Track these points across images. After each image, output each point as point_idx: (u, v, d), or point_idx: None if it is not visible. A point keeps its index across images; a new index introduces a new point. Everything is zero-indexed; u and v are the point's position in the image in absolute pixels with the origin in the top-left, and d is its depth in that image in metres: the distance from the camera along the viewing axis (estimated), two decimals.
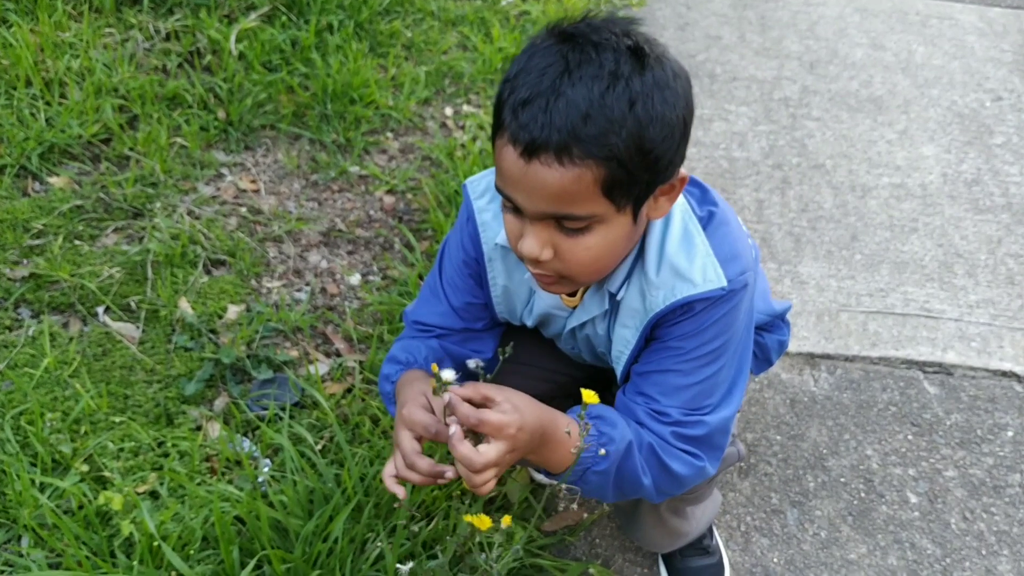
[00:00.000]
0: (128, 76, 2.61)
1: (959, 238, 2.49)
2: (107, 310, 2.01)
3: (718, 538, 1.70)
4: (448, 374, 1.03)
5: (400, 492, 1.13)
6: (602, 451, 1.11)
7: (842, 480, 1.85)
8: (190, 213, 2.28)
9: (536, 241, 1.04)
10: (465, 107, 2.83)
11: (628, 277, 1.19)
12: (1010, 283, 2.34)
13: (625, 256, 1.16)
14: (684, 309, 1.15)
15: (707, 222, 1.18)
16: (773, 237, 2.46)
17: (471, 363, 1.12)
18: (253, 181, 2.44)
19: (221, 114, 2.58)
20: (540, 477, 1.78)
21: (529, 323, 1.34)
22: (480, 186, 1.28)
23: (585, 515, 1.76)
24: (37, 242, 2.14)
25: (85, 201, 2.25)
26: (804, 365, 2.10)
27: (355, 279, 2.21)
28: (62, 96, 2.54)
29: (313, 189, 2.46)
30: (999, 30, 3.48)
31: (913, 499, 1.82)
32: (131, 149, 2.42)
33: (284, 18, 2.87)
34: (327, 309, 2.12)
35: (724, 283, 1.13)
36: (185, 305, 2.04)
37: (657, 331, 1.20)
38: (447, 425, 1.02)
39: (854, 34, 3.38)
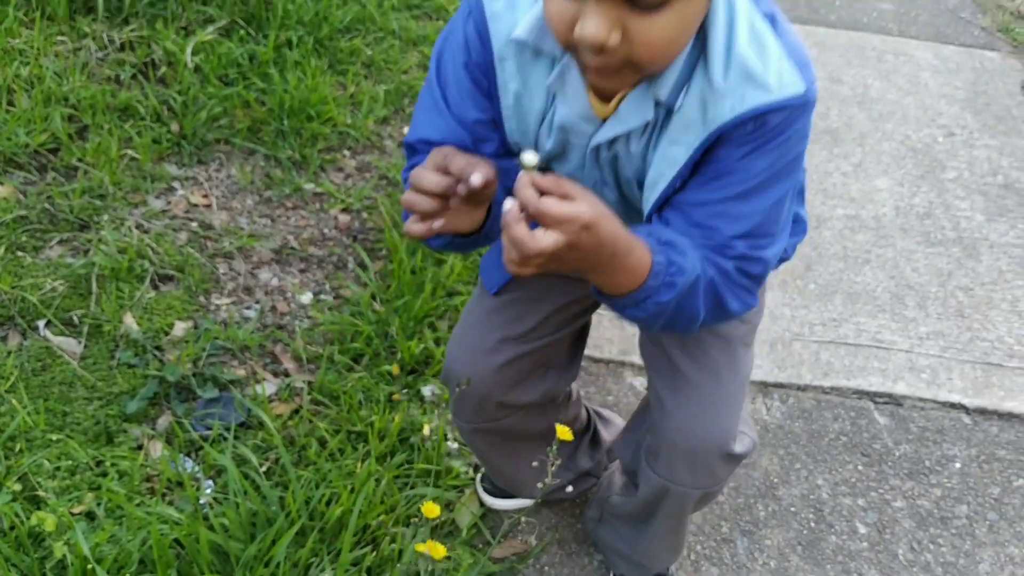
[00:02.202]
0: (79, 85, 2.55)
1: (911, 270, 2.51)
2: (48, 324, 1.95)
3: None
4: (531, 156, 0.89)
5: (419, 229, 0.98)
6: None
7: (792, 510, 1.84)
8: (139, 227, 2.22)
9: (603, 22, 0.87)
10: None
11: (687, 83, 1.01)
12: (960, 316, 2.37)
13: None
14: (755, 122, 0.99)
15: (773, 22, 1.01)
16: None
17: (528, 154, 0.90)
18: (205, 196, 2.39)
19: (175, 127, 2.53)
20: (490, 501, 1.76)
21: (548, 145, 1.13)
22: None
23: (535, 542, 1.73)
24: None
25: (30, 212, 2.18)
26: (757, 393, 2.10)
27: (306, 298, 2.17)
28: (10, 104, 2.47)
29: (266, 205, 2.42)
30: (952, 67, 3.55)
31: (862, 529, 1.82)
32: (80, 160, 2.36)
33: (242, 32, 2.84)
34: (277, 328, 2.08)
35: (803, 88, 0.98)
36: (130, 320, 1.99)
37: (716, 150, 1.03)
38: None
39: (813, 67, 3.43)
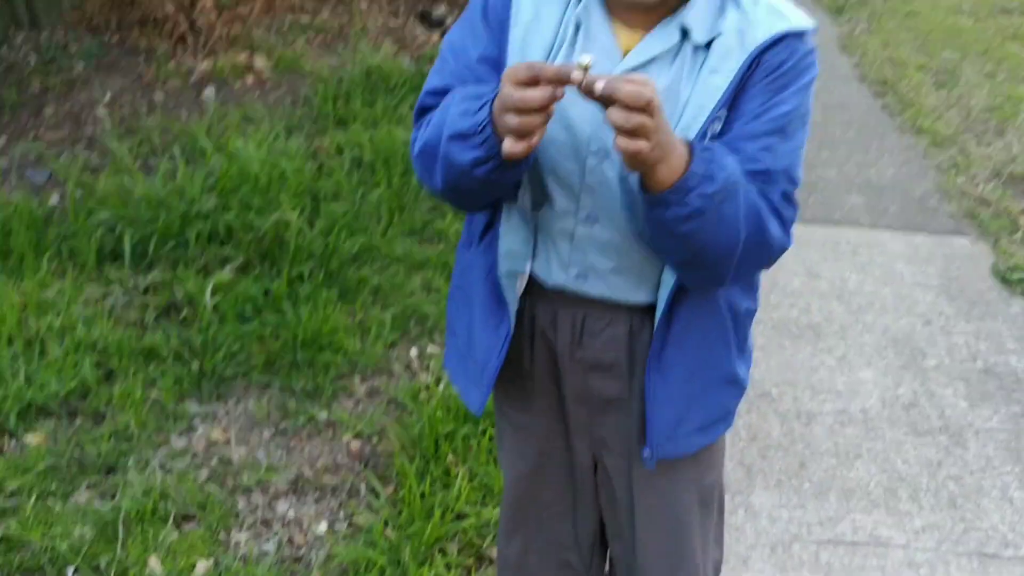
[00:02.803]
0: (107, 331, 2.75)
1: (901, 462, 2.61)
2: (76, 571, 2.04)
3: None
4: (588, 57, 0.99)
5: (519, 148, 1.04)
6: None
7: None
8: (162, 467, 2.36)
9: None
10: (430, 347, 2.98)
11: (722, 15, 1.17)
12: (952, 506, 2.45)
13: None
14: (784, 48, 1.16)
15: None
16: (725, 468, 2.56)
17: (586, 56, 0.99)
18: (224, 431, 2.53)
19: (195, 365, 2.71)
20: None
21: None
22: None
23: None
24: (10, 503, 2.20)
25: (59, 459, 2.32)
26: None
27: (322, 528, 2.27)
28: (42, 352, 2.67)
29: (282, 436, 2.56)
30: (924, 256, 3.76)
31: None
32: (107, 404, 2.52)
33: (258, 270, 3.07)
34: (294, 560, 2.17)
35: (813, 24, 1.20)
36: (155, 563, 2.08)
37: (748, 93, 1.17)
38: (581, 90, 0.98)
39: (791, 264, 3.64)
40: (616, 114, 0.98)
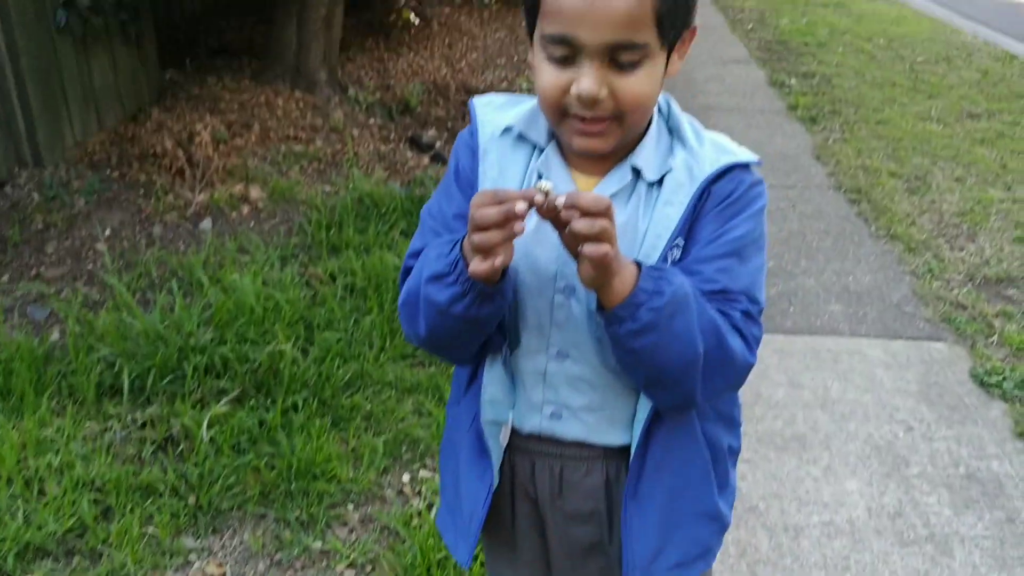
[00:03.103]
0: (104, 467, 2.81)
1: (889, 574, 2.64)
2: None
3: None
4: (547, 183, 1.11)
5: (483, 267, 1.13)
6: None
7: None
8: None
9: (594, 79, 1.16)
10: (422, 472, 3.04)
11: (670, 155, 1.29)
12: None
13: (647, 124, 1.30)
14: (731, 179, 1.28)
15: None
16: None
17: (543, 184, 1.11)
18: (220, 565, 2.57)
19: (191, 499, 2.76)
20: None
21: (529, 224, 1.23)
22: (483, 101, 1.41)
23: None
24: None
25: None
26: None
27: None
28: (40, 492, 2.72)
29: (277, 568, 2.59)
30: (903, 361, 3.85)
31: None
32: (103, 542, 2.56)
33: (252, 401, 3.15)
34: None
35: (756, 157, 1.32)
36: None
37: (702, 222, 1.28)
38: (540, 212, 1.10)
39: (774, 375, 3.73)
40: (581, 223, 1.09)
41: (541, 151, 1.34)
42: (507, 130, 1.35)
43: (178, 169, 4.99)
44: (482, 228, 1.11)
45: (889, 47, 9.50)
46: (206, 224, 4.56)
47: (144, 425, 3.07)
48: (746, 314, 1.28)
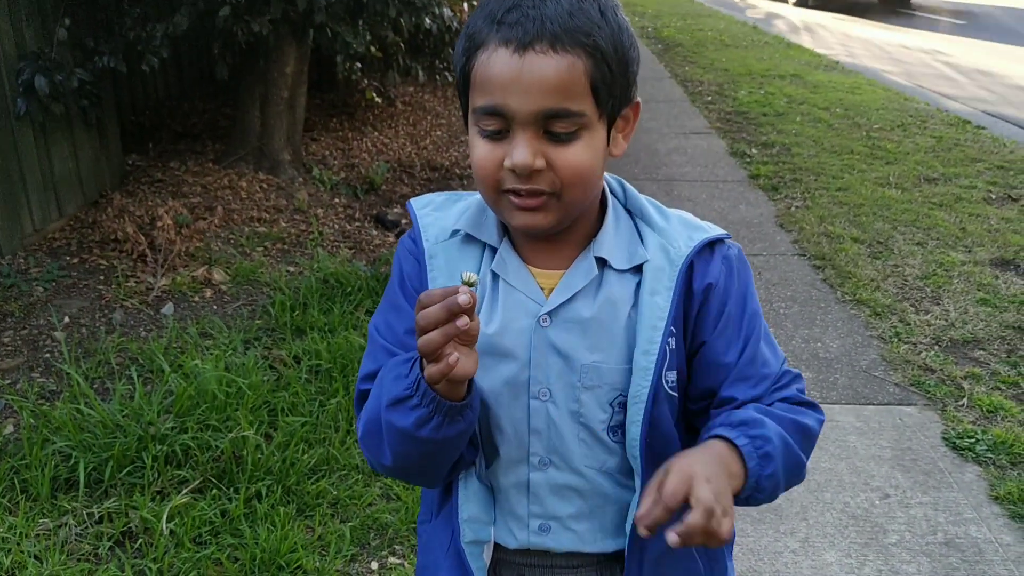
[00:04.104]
0: (59, 566, 2.69)
1: None
2: None
3: None
4: (472, 275, 1.06)
5: (439, 368, 1.06)
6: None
7: None
8: None
9: (528, 148, 1.10)
10: (391, 559, 2.94)
11: (641, 243, 1.25)
12: None
13: (594, 201, 1.24)
14: (712, 256, 1.26)
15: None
16: None
17: (465, 275, 1.06)
18: None
19: None
20: None
21: (491, 328, 1.23)
22: (422, 203, 1.34)
23: None
24: None
25: None
26: None
27: None
28: None
29: None
30: (875, 427, 3.84)
31: None
32: None
33: (215, 490, 3.05)
34: None
35: (725, 232, 1.28)
36: None
37: (700, 311, 1.24)
38: None
39: None
40: (697, 525, 0.99)
41: (494, 250, 1.27)
42: (454, 233, 1.29)
43: (140, 254, 4.94)
44: (426, 330, 1.05)
45: (846, 116, 9.70)
46: (168, 309, 4.49)
47: (101, 519, 2.96)
48: (794, 381, 1.28)
